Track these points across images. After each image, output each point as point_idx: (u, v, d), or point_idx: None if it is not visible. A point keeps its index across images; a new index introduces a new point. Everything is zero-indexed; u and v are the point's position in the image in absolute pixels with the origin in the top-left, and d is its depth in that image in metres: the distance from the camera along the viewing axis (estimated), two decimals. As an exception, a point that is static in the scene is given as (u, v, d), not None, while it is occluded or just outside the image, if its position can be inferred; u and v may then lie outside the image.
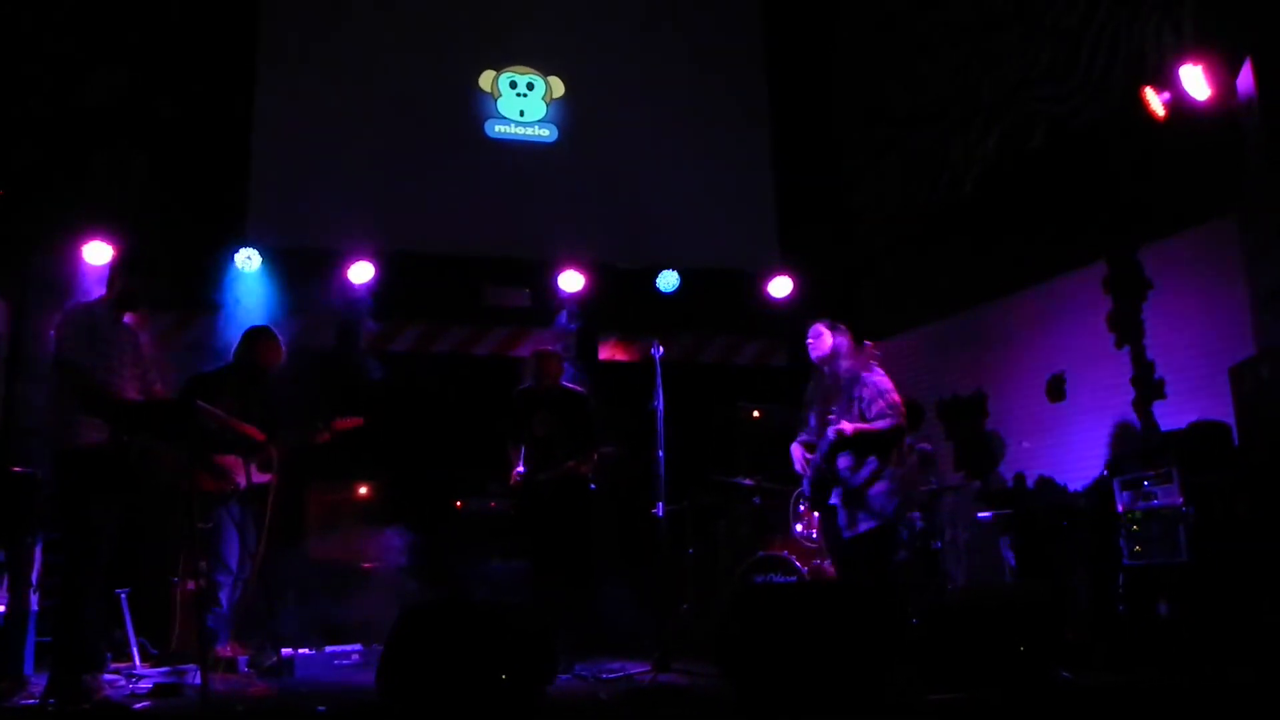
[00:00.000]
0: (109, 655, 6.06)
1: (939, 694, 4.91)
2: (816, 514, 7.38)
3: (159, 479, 5.82)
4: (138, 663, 6.60)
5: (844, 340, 6.35)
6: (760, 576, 7.48)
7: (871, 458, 6.18)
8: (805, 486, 6.47)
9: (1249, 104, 6.22)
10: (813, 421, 6.46)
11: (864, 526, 6.14)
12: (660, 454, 6.86)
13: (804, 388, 6.70)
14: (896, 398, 6.22)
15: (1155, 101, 6.88)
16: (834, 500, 6.25)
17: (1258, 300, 6.66)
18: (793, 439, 6.65)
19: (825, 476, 6.25)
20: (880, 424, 6.11)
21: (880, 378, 6.27)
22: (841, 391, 6.25)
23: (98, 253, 8.30)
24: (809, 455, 6.39)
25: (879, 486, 6.14)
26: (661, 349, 7.05)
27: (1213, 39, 6.57)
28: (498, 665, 4.65)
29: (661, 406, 6.90)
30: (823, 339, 6.44)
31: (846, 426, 6.08)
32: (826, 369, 6.42)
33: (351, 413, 6.88)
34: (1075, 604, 7.02)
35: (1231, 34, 6.49)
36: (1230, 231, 7.10)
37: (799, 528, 7.87)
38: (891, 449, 6.20)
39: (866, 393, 6.20)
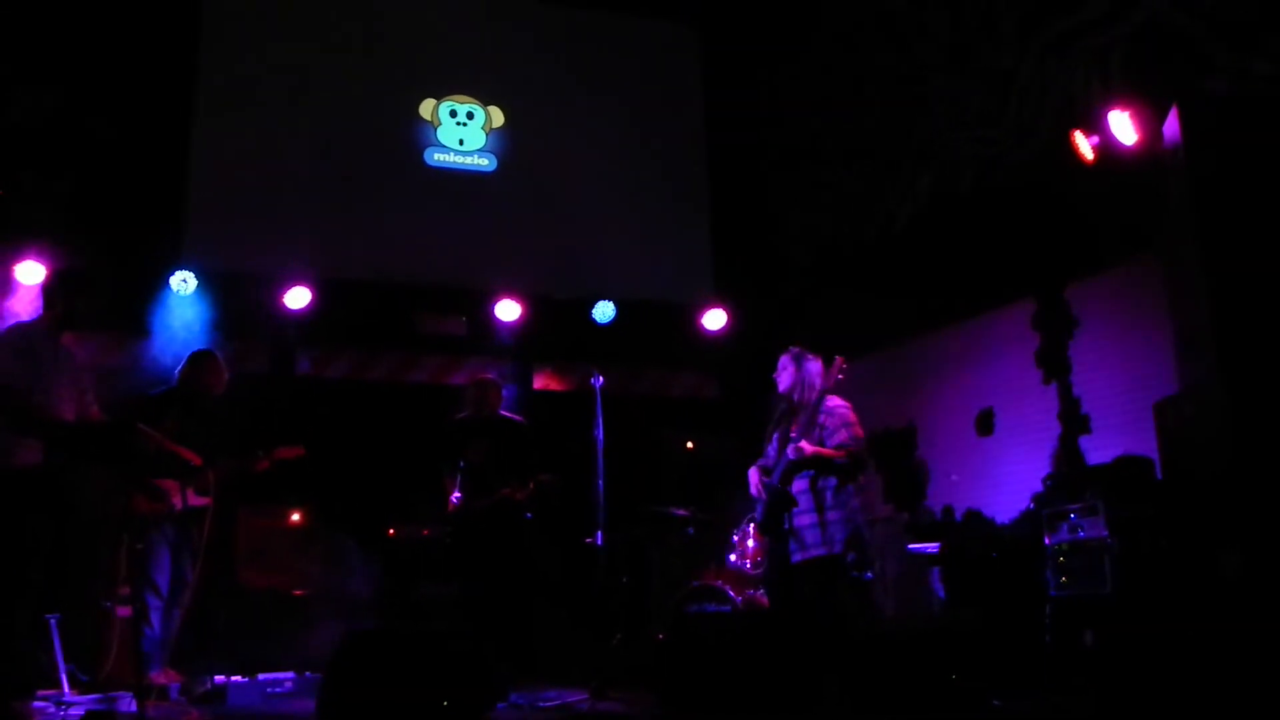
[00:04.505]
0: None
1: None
2: (752, 544, 7.45)
3: (91, 501, 5.76)
4: (66, 690, 6.47)
5: (813, 367, 6.34)
6: (694, 606, 7.51)
7: (828, 485, 6.14)
8: (759, 511, 6.37)
9: (1174, 150, 6.42)
10: (771, 449, 6.37)
11: (811, 553, 6.07)
12: (600, 484, 6.89)
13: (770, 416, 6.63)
14: (860, 431, 6.19)
15: (1084, 145, 7.07)
16: (786, 525, 6.16)
17: (1180, 338, 6.84)
18: (725, 471, 6.64)
19: (779, 499, 6.16)
20: (840, 455, 6.06)
21: (846, 409, 6.25)
22: (806, 415, 6.20)
23: (30, 272, 8.17)
24: (765, 479, 6.29)
25: (832, 515, 6.06)
26: (601, 379, 7.09)
27: (1140, 86, 6.78)
28: (439, 692, 4.65)
29: (602, 436, 6.94)
30: (787, 371, 6.43)
31: (806, 447, 6.01)
32: (795, 396, 6.35)
33: (289, 440, 6.84)
34: (1004, 633, 7.14)
35: (1158, 82, 6.71)
36: (1154, 271, 7.27)
37: (732, 557, 7.89)
38: (849, 479, 6.16)
39: (831, 421, 6.17)
